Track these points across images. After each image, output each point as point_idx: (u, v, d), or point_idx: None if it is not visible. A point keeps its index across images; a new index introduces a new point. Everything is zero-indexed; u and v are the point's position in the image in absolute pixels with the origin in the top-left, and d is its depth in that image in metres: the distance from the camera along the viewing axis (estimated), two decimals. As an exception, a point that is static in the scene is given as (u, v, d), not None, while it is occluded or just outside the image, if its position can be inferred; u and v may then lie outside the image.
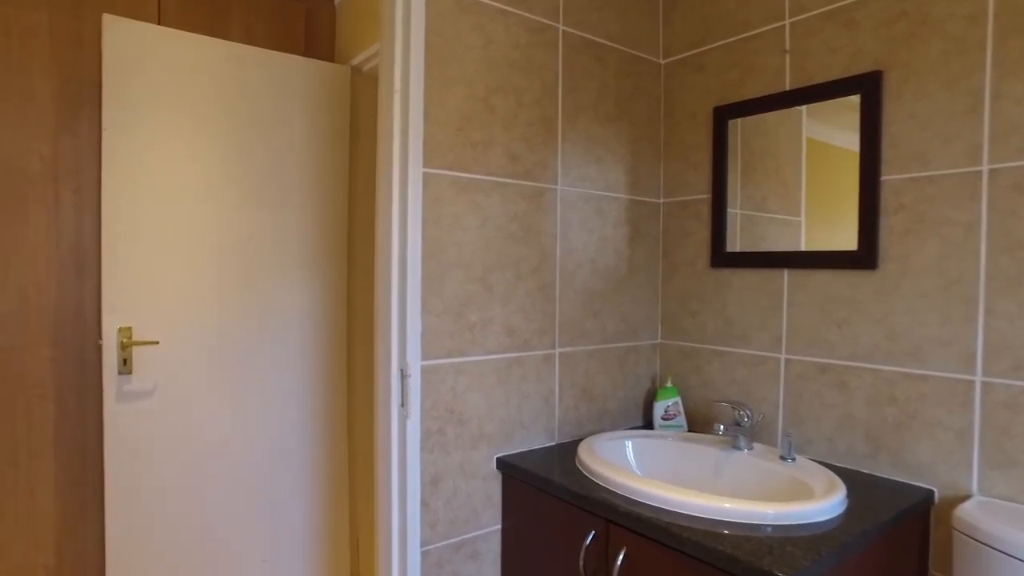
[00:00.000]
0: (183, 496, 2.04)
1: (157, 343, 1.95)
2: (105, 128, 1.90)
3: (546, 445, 1.65)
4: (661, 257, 1.91)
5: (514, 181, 1.56)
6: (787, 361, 1.60)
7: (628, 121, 1.81)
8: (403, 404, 1.39)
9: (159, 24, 2.17)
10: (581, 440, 1.70)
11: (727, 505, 1.16)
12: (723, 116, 1.73)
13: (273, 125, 2.18)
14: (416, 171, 1.38)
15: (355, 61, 2.35)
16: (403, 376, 1.39)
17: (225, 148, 2.09)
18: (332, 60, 2.50)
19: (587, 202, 1.72)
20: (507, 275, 1.55)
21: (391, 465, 1.41)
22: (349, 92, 2.34)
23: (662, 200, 1.91)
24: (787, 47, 1.59)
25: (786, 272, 1.60)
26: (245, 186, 2.13)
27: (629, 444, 1.61)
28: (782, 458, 1.44)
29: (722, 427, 1.51)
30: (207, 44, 2.05)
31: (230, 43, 2.09)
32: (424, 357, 1.41)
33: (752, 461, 1.48)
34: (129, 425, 1.95)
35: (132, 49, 1.93)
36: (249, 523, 2.16)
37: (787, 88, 1.60)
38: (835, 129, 1.53)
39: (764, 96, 1.64)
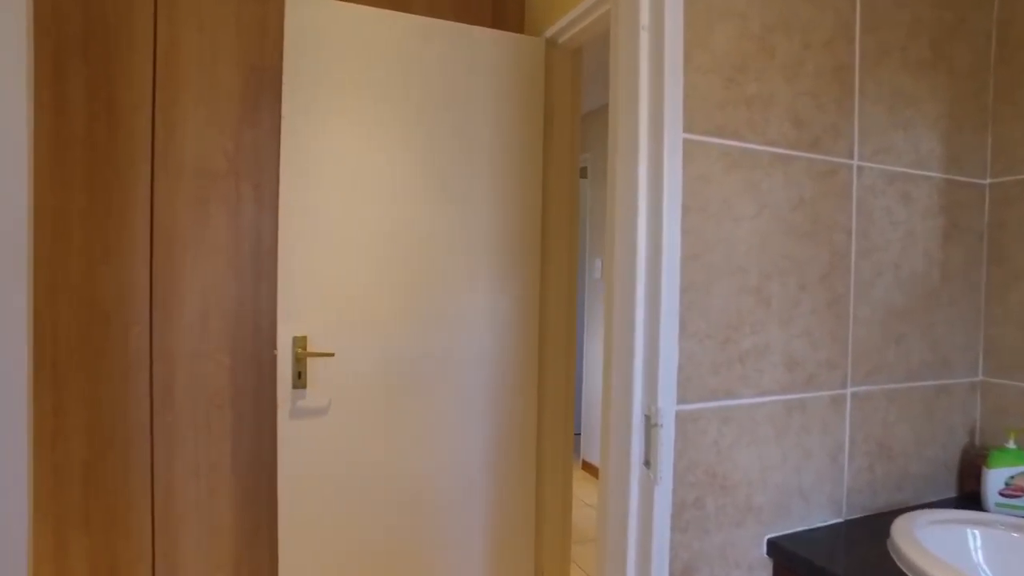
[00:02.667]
0: (357, 523, 1.81)
1: (333, 355, 1.74)
2: (284, 116, 1.71)
3: (831, 522, 1.17)
4: (986, 261, 1.35)
5: (799, 153, 1.11)
6: None
7: (945, 69, 1.28)
8: (648, 464, 1.00)
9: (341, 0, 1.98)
10: (877, 516, 1.21)
11: None
12: (1113, 50, 1.16)
13: (460, 107, 1.90)
14: (674, 137, 0.98)
15: (549, 32, 2.02)
16: (650, 425, 1.00)
17: (408, 134, 1.84)
18: (522, 32, 2.19)
19: (890, 183, 1.22)
20: (788, 285, 1.11)
21: (628, 548, 1.02)
22: (543, 68, 2.01)
23: (989, 180, 1.35)
24: None
25: None
26: (429, 177, 1.87)
27: (976, 537, 1.10)
28: None
29: None
30: (390, 19, 1.81)
31: (414, 16, 1.84)
32: (681, 400, 1.00)
33: None
34: (303, 444, 1.76)
35: (314, 28, 1.73)
36: (424, 557, 1.90)
37: None
38: None
39: None
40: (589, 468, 4.08)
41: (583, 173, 4.44)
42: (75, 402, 1.77)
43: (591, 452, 4.08)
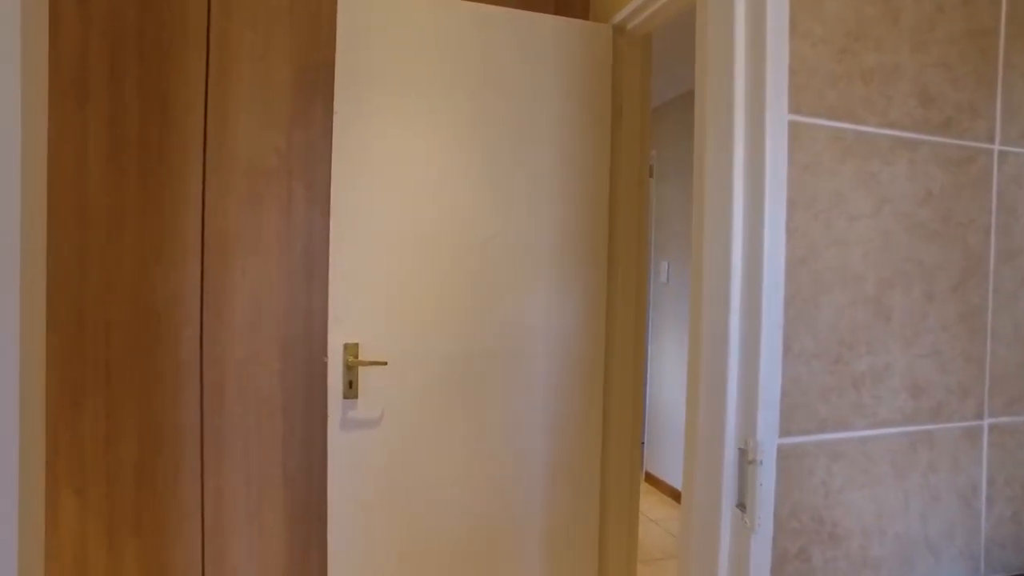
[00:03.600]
0: (410, 537, 1.71)
1: (385, 364, 1.64)
2: (336, 112, 1.63)
3: (963, 581, 0.98)
4: None
5: (927, 137, 0.93)
6: None
7: (1106, 35, 1.06)
8: (743, 507, 0.84)
9: (396, -9, 1.89)
10: None
11: None
12: None
13: (521, 100, 1.77)
14: (777, 120, 0.82)
15: (616, 18, 1.87)
16: (745, 461, 0.84)
17: (466, 130, 1.73)
18: (587, 18, 2.05)
19: (1038, 172, 1.01)
20: (913, 295, 0.92)
21: (719, 602, 0.86)
22: (611, 57, 1.86)
23: None
24: None
25: None
26: (488, 175, 1.75)
27: None
28: None
29: None
30: (446, 7, 1.70)
31: (472, 4, 1.72)
32: (784, 432, 0.84)
33: None
34: (354, 457, 1.66)
35: (367, 20, 1.64)
36: (481, 573, 1.78)
37: None
38: None
39: None
40: (652, 480, 3.88)
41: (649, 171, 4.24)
42: (127, 405, 1.74)
43: (654, 463, 3.88)
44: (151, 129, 1.73)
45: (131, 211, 1.71)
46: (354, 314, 1.65)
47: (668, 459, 3.75)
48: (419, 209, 1.69)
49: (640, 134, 1.96)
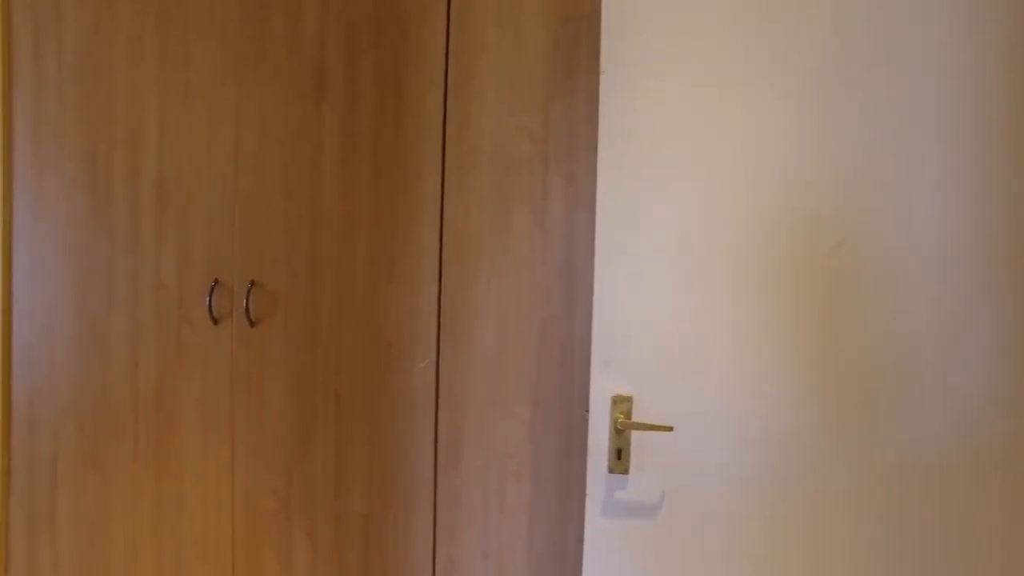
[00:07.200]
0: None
1: (671, 429, 1.12)
2: (603, 71, 1.17)
3: None
4: None
5: None
6: None
7: None
8: None
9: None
10: None
11: None
12: None
13: (881, 34, 1.13)
14: None
15: None
16: None
17: (794, 86, 1.14)
18: None
19: None
20: None
21: None
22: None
23: None
24: None
25: None
26: (828, 153, 1.14)
27: None
28: None
29: None
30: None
31: None
32: None
33: None
34: (619, 551, 1.19)
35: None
36: None
37: None
38: None
39: None
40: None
41: None
42: (356, 445, 1.50)
43: None
44: (386, 119, 1.46)
45: (363, 219, 1.46)
46: (627, 354, 1.17)
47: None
48: (724, 205, 1.15)
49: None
